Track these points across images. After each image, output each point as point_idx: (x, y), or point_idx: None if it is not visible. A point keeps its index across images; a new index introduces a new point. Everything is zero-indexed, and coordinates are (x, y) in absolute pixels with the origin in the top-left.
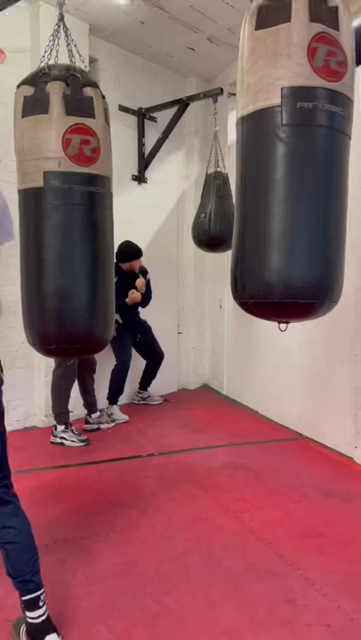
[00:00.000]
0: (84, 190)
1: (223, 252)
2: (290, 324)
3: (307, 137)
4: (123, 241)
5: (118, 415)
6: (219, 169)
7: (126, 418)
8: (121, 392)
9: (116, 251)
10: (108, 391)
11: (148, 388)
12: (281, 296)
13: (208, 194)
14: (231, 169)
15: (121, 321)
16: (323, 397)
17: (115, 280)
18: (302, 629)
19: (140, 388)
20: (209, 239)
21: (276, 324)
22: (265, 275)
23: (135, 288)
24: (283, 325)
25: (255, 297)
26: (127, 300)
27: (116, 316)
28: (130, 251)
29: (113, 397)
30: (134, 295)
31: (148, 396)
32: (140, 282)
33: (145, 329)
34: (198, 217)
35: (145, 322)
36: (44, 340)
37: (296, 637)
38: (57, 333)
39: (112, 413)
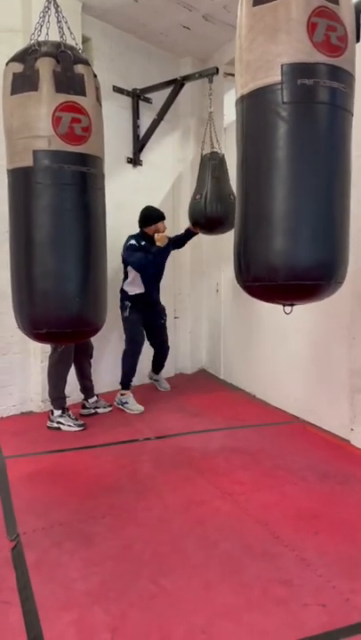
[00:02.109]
0: (74, 170)
1: (220, 235)
2: (288, 308)
3: (308, 114)
4: (144, 207)
5: (133, 406)
6: (214, 149)
7: (141, 409)
8: (133, 375)
9: (139, 218)
10: (121, 374)
11: (160, 373)
12: (286, 278)
13: (204, 175)
14: (227, 150)
15: (142, 290)
16: (319, 380)
17: (140, 245)
18: (298, 609)
19: (153, 370)
20: (206, 221)
21: (273, 308)
22: (269, 257)
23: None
24: (288, 308)
25: (260, 279)
26: (158, 243)
27: (136, 289)
28: (153, 213)
29: (124, 381)
30: (160, 236)
31: (157, 380)
32: (157, 235)
33: (160, 314)
34: (194, 198)
35: (164, 308)
36: (33, 324)
37: (292, 617)
38: (47, 317)
39: (127, 402)
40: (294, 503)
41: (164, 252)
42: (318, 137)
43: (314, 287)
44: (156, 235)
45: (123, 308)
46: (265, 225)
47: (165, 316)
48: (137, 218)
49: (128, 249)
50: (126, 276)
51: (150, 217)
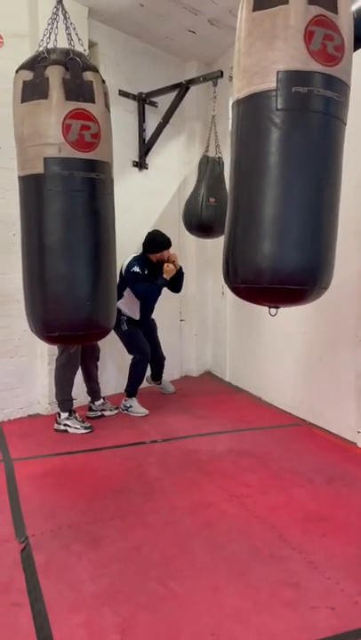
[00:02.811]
0: (84, 176)
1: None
2: (293, 310)
3: (301, 122)
4: (151, 231)
5: (138, 409)
6: (219, 154)
7: (146, 411)
8: (139, 385)
9: (143, 241)
10: (127, 384)
11: (163, 378)
12: (271, 281)
13: (218, 178)
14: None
15: (137, 317)
16: (326, 383)
17: (145, 273)
18: (306, 612)
19: (154, 380)
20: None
21: (279, 310)
22: (256, 260)
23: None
24: (273, 310)
25: (246, 282)
26: (164, 275)
27: (130, 313)
28: (159, 239)
29: (132, 390)
30: (170, 267)
31: (161, 388)
32: (167, 266)
33: (153, 327)
34: (207, 201)
35: (153, 320)
36: (46, 327)
37: (300, 620)
38: (59, 320)
39: (131, 406)
40: (301, 506)
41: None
42: (310, 145)
43: (298, 291)
44: (165, 265)
45: (119, 322)
46: (254, 228)
47: (155, 325)
48: (142, 221)
49: (132, 275)
50: (120, 295)
51: (157, 243)
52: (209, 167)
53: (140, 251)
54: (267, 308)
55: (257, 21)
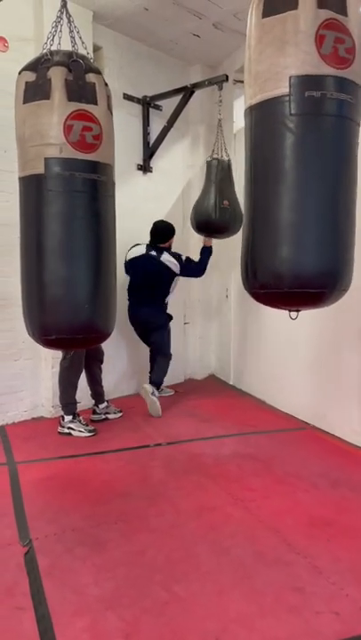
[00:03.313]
0: (85, 177)
1: (229, 240)
2: (298, 314)
3: (315, 126)
4: (157, 221)
5: (163, 393)
6: (227, 157)
7: (160, 414)
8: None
9: (159, 231)
10: (153, 376)
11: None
12: (291, 286)
13: (229, 180)
14: (236, 156)
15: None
16: (330, 387)
17: (185, 257)
18: (311, 617)
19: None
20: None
21: (283, 314)
22: (275, 264)
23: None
24: (293, 313)
25: (266, 287)
26: (208, 246)
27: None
28: (171, 227)
29: (159, 382)
30: (208, 239)
31: (161, 389)
32: (206, 239)
33: None
34: (221, 204)
35: None
36: (43, 330)
37: (305, 625)
38: (57, 323)
39: (162, 389)
40: (306, 510)
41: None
42: (325, 148)
43: (318, 295)
44: (205, 239)
45: (169, 319)
46: (271, 234)
47: None
48: (146, 224)
49: (186, 262)
50: (169, 290)
51: (172, 230)
52: (219, 169)
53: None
54: (271, 312)
55: (267, 28)
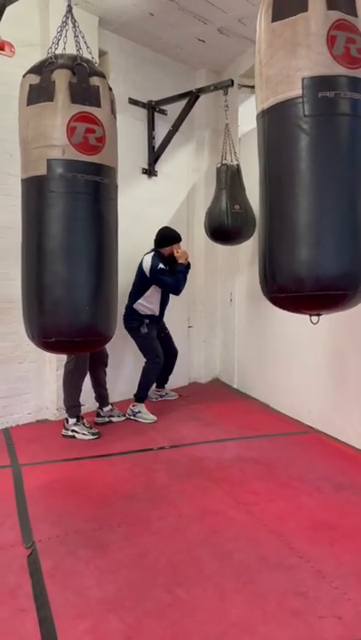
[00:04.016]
0: (88, 179)
1: (234, 245)
2: (302, 318)
3: (330, 127)
4: (161, 227)
5: (146, 415)
6: (237, 162)
7: (154, 418)
8: (149, 389)
9: (157, 238)
10: (137, 388)
11: (165, 385)
12: (312, 289)
13: (239, 185)
14: (242, 161)
15: (157, 313)
16: (334, 390)
17: (166, 268)
18: (314, 621)
19: (157, 386)
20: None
21: (288, 317)
22: (295, 268)
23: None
24: (315, 318)
25: (286, 291)
26: (180, 261)
27: (153, 310)
28: (171, 234)
29: (142, 394)
30: (181, 251)
31: (166, 393)
32: (177, 252)
33: (164, 324)
34: (232, 208)
35: (164, 322)
36: (43, 333)
37: (308, 629)
38: (57, 326)
39: (139, 412)
40: (309, 514)
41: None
42: (341, 148)
43: (340, 297)
44: (176, 252)
45: (140, 325)
46: (289, 236)
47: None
48: (151, 228)
49: (161, 272)
50: (141, 294)
51: (168, 238)
52: (228, 175)
53: (151, 249)
54: (275, 316)
55: (277, 32)
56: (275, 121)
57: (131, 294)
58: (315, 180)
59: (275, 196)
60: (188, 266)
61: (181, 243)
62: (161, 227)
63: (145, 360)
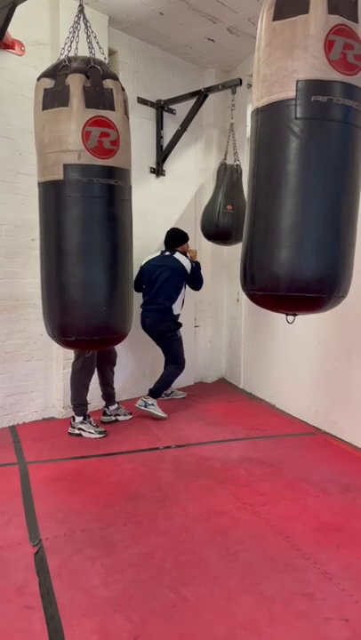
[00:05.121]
0: (103, 183)
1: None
2: (309, 319)
3: (320, 131)
4: (170, 229)
5: (157, 410)
6: (237, 162)
7: (165, 415)
8: (166, 389)
9: (171, 238)
10: (155, 385)
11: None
12: (288, 289)
13: (236, 185)
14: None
15: (180, 321)
16: (341, 392)
17: (196, 262)
18: (320, 623)
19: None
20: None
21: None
22: (273, 268)
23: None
24: (290, 317)
25: (263, 289)
26: (195, 259)
27: (181, 312)
28: (184, 234)
29: (159, 392)
30: (193, 251)
31: (172, 392)
32: (190, 251)
33: None
34: (224, 208)
35: None
36: (63, 332)
37: (314, 631)
38: (76, 325)
39: (153, 404)
40: (316, 516)
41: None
42: (329, 153)
43: (315, 300)
44: (189, 251)
45: (178, 327)
46: (271, 236)
47: None
48: (159, 227)
49: (198, 268)
50: (177, 294)
51: (184, 236)
52: (227, 174)
53: (162, 249)
54: (282, 316)
55: (277, 31)
56: (267, 120)
57: (163, 294)
58: (301, 182)
59: (261, 195)
60: (198, 263)
61: (188, 242)
62: (170, 228)
63: (166, 360)
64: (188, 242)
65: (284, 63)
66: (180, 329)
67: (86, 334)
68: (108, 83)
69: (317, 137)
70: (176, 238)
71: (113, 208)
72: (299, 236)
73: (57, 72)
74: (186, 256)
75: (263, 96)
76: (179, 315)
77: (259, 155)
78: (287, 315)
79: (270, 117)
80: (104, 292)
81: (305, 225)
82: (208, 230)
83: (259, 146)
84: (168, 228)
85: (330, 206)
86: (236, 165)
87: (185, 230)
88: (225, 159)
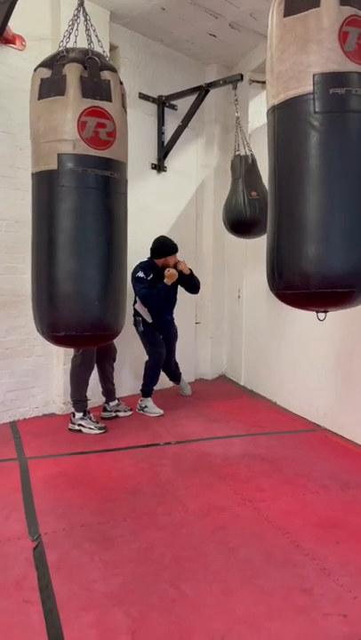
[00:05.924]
0: (98, 174)
1: (242, 240)
2: (310, 316)
3: (340, 123)
4: (158, 236)
5: (153, 409)
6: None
7: (161, 412)
8: (154, 385)
9: (151, 247)
10: (142, 383)
11: (181, 379)
12: (319, 286)
13: (254, 173)
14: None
15: (150, 320)
16: (342, 389)
17: (150, 277)
18: (319, 618)
19: (170, 379)
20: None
21: (295, 314)
22: (302, 265)
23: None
24: (321, 315)
25: (293, 287)
26: (165, 280)
27: (144, 315)
28: (164, 246)
29: (147, 389)
30: (170, 272)
31: (180, 387)
32: (168, 271)
33: (172, 334)
34: (249, 195)
35: (176, 329)
36: (52, 327)
37: (312, 626)
38: (66, 320)
39: (146, 406)
40: (315, 512)
41: (172, 287)
42: (351, 145)
43: (347, 294)
44: (166, 270)
45: (136, 323)
46: (298, 233)
47: (176, 333)
48: (159, 224)
49: (135, 280)
50: (136, 300)
51: (161, 250)
52: (243, 164)
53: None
54: (283, 313)
55: (288, 27)
56: (285, 117)
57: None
58: (324, 177)
59: (284, 192)
60: (170, 286)
61: (189, 238)
62: (158, 236)
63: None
64: (174, 256)
65: (298, 58)
66: (141, 323)
67: (77, 330)
68: (105, 74)
69: (338, 130)
70: (153, 250)
71: (108, 200)
72: (326, 231)
73: (54, 62)
74: (152, 267)
75: (279, 93)
76: (138, 311)
77: (279, 152)
78: (318, 312)
79: (288, 114)
80: (96, 286)
81: (331, 219)
82: (234, 221)
83: (278, 143)
84: (169, 225)
85: (355, 198)
86: (251, 154)
87: (184, 229)
88: (237, 151)
